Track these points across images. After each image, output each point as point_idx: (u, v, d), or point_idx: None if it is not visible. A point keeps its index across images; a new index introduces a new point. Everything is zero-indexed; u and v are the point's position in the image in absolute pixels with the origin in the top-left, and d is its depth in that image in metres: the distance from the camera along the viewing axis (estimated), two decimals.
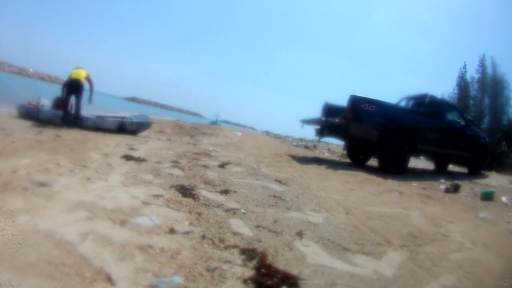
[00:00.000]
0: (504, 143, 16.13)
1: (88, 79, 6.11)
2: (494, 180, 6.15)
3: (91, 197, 2.05)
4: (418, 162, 7.87)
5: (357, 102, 5.32)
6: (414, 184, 4.52)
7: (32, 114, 5.59)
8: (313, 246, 1.78)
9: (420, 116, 5.84)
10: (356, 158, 6.58)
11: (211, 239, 1.68)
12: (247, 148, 6.89)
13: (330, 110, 6.14)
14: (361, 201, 3.08)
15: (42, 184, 2.14)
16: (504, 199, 3.88)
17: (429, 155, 6.43)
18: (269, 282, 1.30)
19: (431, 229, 2.41)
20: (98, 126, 5.68)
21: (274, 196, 2.75)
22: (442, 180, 5.08)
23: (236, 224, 1.96)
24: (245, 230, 1.89)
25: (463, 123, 6.35)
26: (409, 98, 6.71)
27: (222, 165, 3.86)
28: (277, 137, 15.93)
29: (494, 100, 17.24)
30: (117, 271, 1.27)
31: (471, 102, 17.95)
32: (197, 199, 2.33)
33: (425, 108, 6.00)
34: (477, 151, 6.37)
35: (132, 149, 4.18)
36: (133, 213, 1.89)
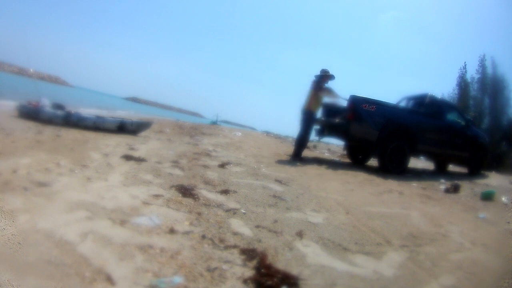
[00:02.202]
0: (504, 143, 16.12)
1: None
2: (494, 180, 6.15)
3: (91, 197, 2.06)
4: (418, 162, 7.87)
5: (357, 102, 5.32)
6: (414, 184, 4.52)
7: (32, 114, 5.58)
8: (313, 246, 1.78)
9: (420, 116, 5.84)
10: (356, 158, 6.57)
11: (211, 239, 1.68)
12: (247, 148, 6.89)
13: (330, 110, 6.14)
14: (361, 201, 3.08)
15: (42, 184, 2.14)
16: (504, 199, 3.88)
17: (429, 155, 6.43)
18: (269, 282, 1.30)
19: (431, 229, 2.41)
20: (98, 126, 5.67)
21: (274, 196, 2.76)
22: (442, 180, 5.07)
23: (236, 224, 1.96)
24: (245, 230, 1.89)
25: (463, 123, 6.35)
26: (409, 98, 6.70)
27: (222, 165, 3.86)
28: (277, 137, 15.93)
29: (494, 100, 17.23)
30: (117, 271, 1.27)
31: (471, 102, 17.95)
32: (197, 199, 2.34)
33: (425, 108, 5.99)
34: (477, 151, 6.37)
35: (132, 149, 4.18)
36: (133, 213, 1.89)
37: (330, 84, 5.71)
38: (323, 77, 5.65)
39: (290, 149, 8.64)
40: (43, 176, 2.32)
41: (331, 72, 5.72)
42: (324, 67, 5.79)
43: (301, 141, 5.81)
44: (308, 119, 5.64)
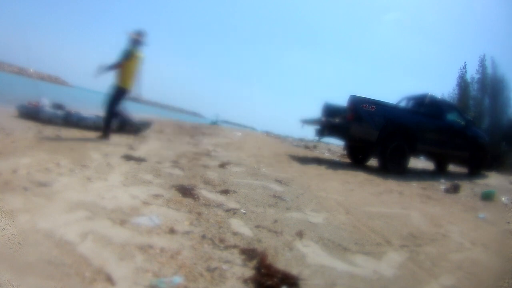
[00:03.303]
0: (504, 143, 16.12)
1: None
2: (494, 180, 6.15)
3: (91, 197, 2.05)
4: (418, 162, 7.87)
5: (357, 103, 5.32)
6: (414, 184, 4.52)
7: (32, 114, 5.58)
8: (313, 246, 1.78)
9: (420, 116, 5.84)
10: (356, 158, 6.58)
11: (211, 239, 1.68)
12: (247, 148, 6.90)
13: (330, 110, 6.14)
14: (361, 201, 3.08)
15: (42, 184, 2.14)
16: (504, 199, 3.88)
17: (429, 156, 6.43)
18: (269, 282, 1.30)
19: (431, 229, 2.41)
20: (98, 126, 5.67)
21: (274, 196, 2.76)
22: (442, 180, 5.07)
23: (236, 224, 1.96)
24: (245, 230, 1.89)
25: (463, 123, 6.35)
26: (409, 98, 6.71)
27: (222, 165, 3.86)
28: (277, 137, 15.95)
29: (494, 100, 17.24)
30: (117, 271, 1.27)
31: (471, 102, 17.95)
32: (197, 199, 2.34)
33: (425, 108, 6.00)
34: (477, 151, 6.37)
35: (132, 149, 4.18)
36: (133, 213, 1.89)
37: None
38: (135, 43, 4.76)
39: (290, 149, 8.66)
40: (43, 176, 2.31)
41: (144, 36, 4.74)
42: (141, 29, 4.79)
43: (107, 120, 4.87)
44: (116, 96, 4.79)
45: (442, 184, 4.70)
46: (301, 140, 14.43)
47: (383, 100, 5.55)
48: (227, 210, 2.19)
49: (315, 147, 10.65)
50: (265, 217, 2.16)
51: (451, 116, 6.33)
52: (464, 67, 18.57)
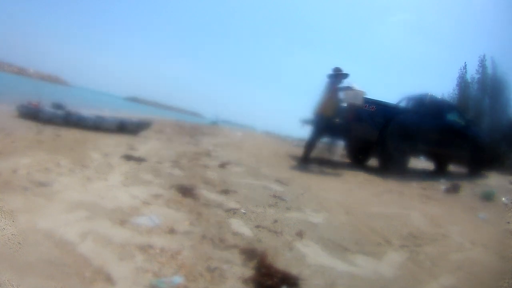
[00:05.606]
0: (504, 143, 16.10)
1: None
2: (494, 180, 6.14)
3: (91, 197, 2.05)
4: (418, 162, 7.87)
5: None
6: (414, 184, 4.51)
7: (32, 114, 5.58)
8: (313, 246, 1.78)
9: (420, 116, 5.83)
10: (356, 158, 6.57)
11: (211, 239, 1.68)
12: (247, 148, 6.90)
13: None
14: (361, 201, 3.08)
15: (42, 184, 2.14)
16: (504, 199, 3.88)
17: (429, 156, 6.43)
18: (269, 282, 1.30)
19: (431, 229, 2.41)
20: (98, 126, 5.67)
21: (274, 196, 2.76)
22: (442, 180, 5.07)
23: (236, 224, 1.97)
24: (245, 230, 1.89)
25: (463, 123, 6.34)
26: (409, 98, 6.70)
27: (222, 165, 3.86)
28: (277, 137, 15.94)
29: (494, 100, 17.21)
30: (117, 271, 1.27)
31: (471, 102, 17.92)
32: (197, 199, 2.34)
33: (425, 108, 5.99)
34: (477, 151, 6.37)
35: (132, 149, 4.18)
36: (133, 213, 1.89)
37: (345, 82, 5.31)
38: (337, 76, 5.29)
39: (290, 149, 8.65)
40: (43, 176, 2.31)
41: (344, 70, 5.30)
42: (337, 66, 5.34)
43: (309, 145, 5.44)
44: (319, 123, 5.26)
45: (442, 184, 4.70)
46: (301, 140, 14.40)
47: (383, 100, 5.55)
48: (227, 210, 2.19)
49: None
50: (265, 217, 2.16)
51: (451, 116, 6.32)
52: (464, 67, 18.51)
